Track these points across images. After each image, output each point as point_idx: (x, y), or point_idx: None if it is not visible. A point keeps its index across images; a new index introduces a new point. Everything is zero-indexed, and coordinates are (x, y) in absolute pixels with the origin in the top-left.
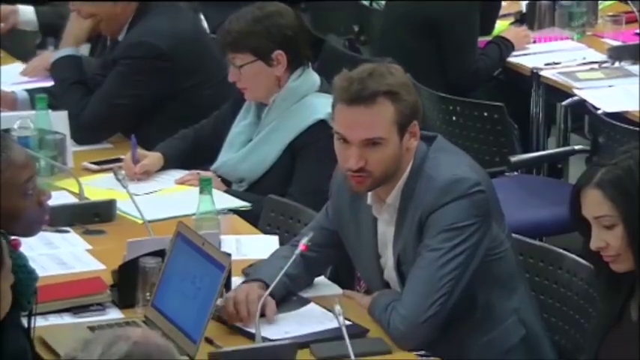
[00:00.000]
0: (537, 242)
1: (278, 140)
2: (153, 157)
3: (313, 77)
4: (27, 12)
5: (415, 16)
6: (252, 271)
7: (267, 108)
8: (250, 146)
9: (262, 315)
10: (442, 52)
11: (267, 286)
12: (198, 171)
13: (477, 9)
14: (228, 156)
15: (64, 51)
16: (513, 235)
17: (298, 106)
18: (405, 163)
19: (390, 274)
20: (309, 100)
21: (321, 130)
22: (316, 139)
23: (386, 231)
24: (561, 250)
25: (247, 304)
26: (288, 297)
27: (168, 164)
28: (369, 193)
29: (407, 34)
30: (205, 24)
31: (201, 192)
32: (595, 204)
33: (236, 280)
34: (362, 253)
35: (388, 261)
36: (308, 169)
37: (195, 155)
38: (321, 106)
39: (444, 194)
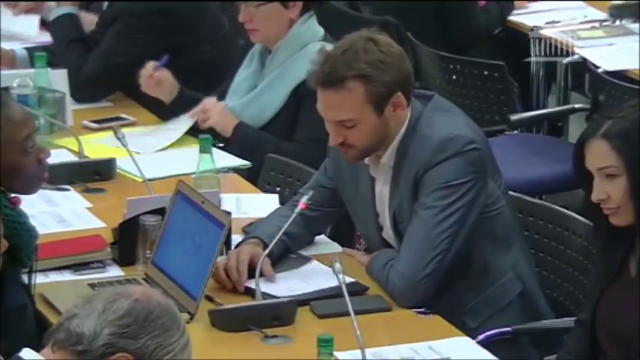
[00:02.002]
0: (537, 200)
1: (282, 87)
2: (172, 79)
3: (316, 26)
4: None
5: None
6: (251, 230)
7: (270, 55)
8: (254, 93)
9: (262, 274)
10: (443, 8)
11: (265, 244)
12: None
13: None
14: (233, 103)
15: (63, 9)
16: (513, 193)
17: (302, 53)
18: (397, 127)
19: (387, 232)
20: (312, 48)
21: None
22: None
23: (382, 190)
24: (561, 208)
25: (238, 265)
26: (291, 255)
27: (180, 101)
28: None
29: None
30: None
31: (201, 151)
32: (600, 155)
33: (236, 239)
34: (360, 211)
35: (386, 219)
36: (313, 116)
37: None
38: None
39: (438, 152)
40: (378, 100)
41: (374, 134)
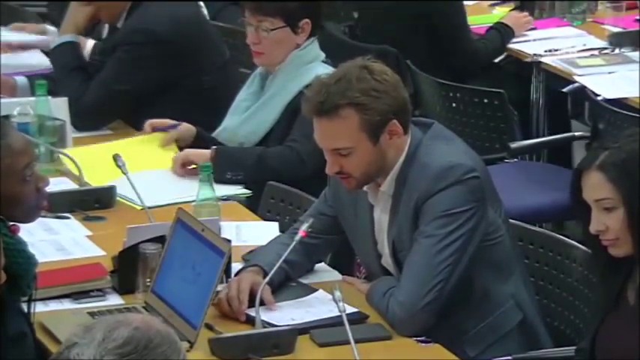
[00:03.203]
0: (537, 228)
1: (277, 103)
2: (189, 129)
3: (318, 50)
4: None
5: (401, 14)
6: (251, 258)
7: (270, 77)
8: (250, 111)
9: (262, 303)
10: (438, 43)
11: (265, 272)
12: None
13: None
14: (230, 121)
15: (64, 37)
16: (514, 221)
17: (300, 72)
18: (395, 155)
19: (387, 259)
20: (312, 67)
21: None
22: None
23: (381, 217)
24: (561, 236)
25: (239, 294)
26: (292, 284)
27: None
28: None
29: (398, 30)
30: (205, 10)
31: (201, 179)
32: (596, 186)
33: (236, 267)
34: (360, 239)
35: (384, 247)
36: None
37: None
38: (323, 71)
39: (438, 181)
40: (373, 128)
41: (370, 162)
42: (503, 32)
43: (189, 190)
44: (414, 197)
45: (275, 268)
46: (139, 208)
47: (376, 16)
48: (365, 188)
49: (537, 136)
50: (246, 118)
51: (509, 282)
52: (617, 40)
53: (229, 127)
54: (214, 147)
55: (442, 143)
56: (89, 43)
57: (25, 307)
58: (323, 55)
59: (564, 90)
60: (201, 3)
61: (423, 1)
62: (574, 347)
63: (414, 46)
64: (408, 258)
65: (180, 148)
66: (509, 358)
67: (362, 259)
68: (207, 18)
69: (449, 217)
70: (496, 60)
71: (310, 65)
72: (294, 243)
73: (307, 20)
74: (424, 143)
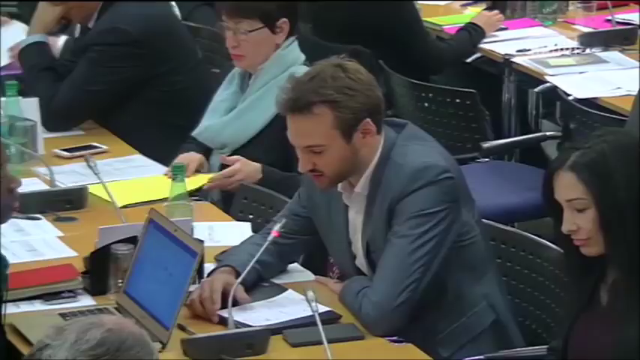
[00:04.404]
0: (509, 228)
1: (265, 108)
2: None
3: (298, 51)
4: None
5: (356, 16)
6: (224, 258)
7: (253, 77)
8: (236, 112)
9: (236, 303)
10: (396, 45)
11: (237, 272)
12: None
13: None
14: (212, 122)
15: (32, 37)
16: (486, 220)
17: (284, 75)
18: (369, 155)
19: (361, 260)
20: (296, 71)
21: None
22: None
23: (356, 218)
24: (533, 236)
25: (212, 295)
26: (265, 284)
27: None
28: None
29: (357, 32)
30: (177, 10)
31: (173, 178)
32: (568, 187)
33: (208, 267)
34: (334, 239)
35: (359, 248)
36: None
37: None
38: None
39: (412, 181)
40: (346, 126)
41: (343, 161)
42: (472, 33)
43: (160, 190)
44: (388, 198)
45: (248, 268)
46: (110, 208)
47: (333, 18)
48: (339, 189)
49: (509, 136)
50: (231, 120)
51: (482, 283)
52: (588, 40)
53: (211, 128)
54: (262, 168)
55: (416, 144)
56: (60, 41)
57: None
58: (303, 57)
59: (535, 90)
60: (174, 3)
61: (374, 1)
62: (546, 346)
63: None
64: (382, 258)
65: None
66: (482, 357)
67: (336, 259)
68: (180, 18)
69: (422, 218)
70: (468, 60)
71: (292, 69)
72: (266, 243)
73: (285, 20)
74: (398, 144)
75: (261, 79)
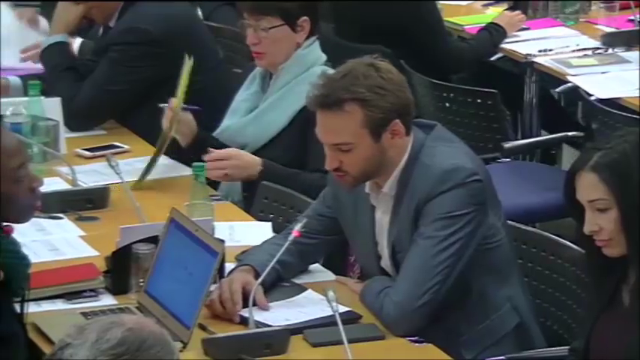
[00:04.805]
0: (531, 228)
1: (286, 107)
2: (193, 124)
3: (319, 51)
4: None
5: (377, 16)
6: (244, 257)
7: (274, 77)
8: (257, 112)
9: (255, 303)
10: (417, 45)
11: (257, 272)
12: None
13: None
14: (233, 121)
15: (54, 37)
16: (507, 221)
17: (306, 75)
18: (397, 156)
19: (386, 262)
20: (316, 71)
21: None
22: None
23: (382, 219)
24: (554, 236)
25: (232, 295)
26: (285, 284)
27: (197, 145)
28: (368, 182)
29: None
30: (198, 10)
31: (194, 179)
32: (590, 187)
33: (229, 267)
34: (359, 240)
35: (384, 249)
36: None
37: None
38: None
39: (440, 183)
40: (376, 125)
41: (370, 161)
42: (494, 33)
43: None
44: (415, 199)
45: (267, 269)
46: (132, 208)
47: (354, 18)
48: (367, 189)
49: (530, 136)
50: (253, 119)
51: (506, 286)
52: (610, 40)
53: (232, 128)
54: (263, 162)
55: (444, 145)
56: (75, 43)
57: (17, 307)
58: (324, 57)
59: (557, 90)
60: (195, 3)
61: (394, 1)
62: (567, 347)
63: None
64: (406, 258)
65: (176, 146)
66: (503, 358)
67: (361, 260)
68: (201, 17)
69: (449, 220)
70: (489, 60)
71: (314, 69)
72: (287, 243)
73: (306, 18)
74: (427, 145)
75: (282, 79)
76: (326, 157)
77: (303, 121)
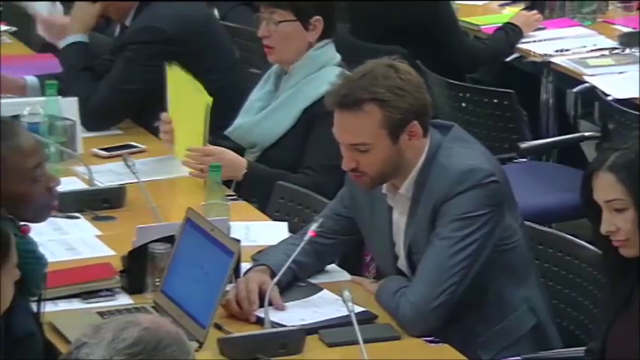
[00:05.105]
0: (547, 229)
1: (294, 106)
2: None
3: (334, 52)
4: None
5: (392, 16)
6: (260, 257)
7: (285, 76)
8: (266, 111)
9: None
10: (432, 44)
11: (272, 272)
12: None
13: None
14: (244, 120)
15: (72, 37)
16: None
17: (317, 75)
18: (414, 157)
19: (403, 262)
20: (327, 71)
21: None
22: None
23: (399, 219)
24: (571, 237)
25: (248, 295)
26: (301, 284)
27: None
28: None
29: (392, 31)
30: (215, 10)
31: (210, 178)
32: (607, 187)
33: (245, 267)
34: (376, 241)
35: (401, 249)
36: (324, 141)
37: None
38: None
39: (457, 184)
40: (394, 126)
41: (387, 161)
42: (510, 33)
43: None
44: (432, 199)
45: (283, 269)
46: (148, 207)
47: (366, 19)
48: (384, 190)
49: (547, 136)
50: (261, 119)
51: (523, 286)
52: (628, 40)
53: (243, 127)
54: (248, 164)
55: (462, 146)
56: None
57: (34, 306)
58: (339, 57)
59: (574, 90)
60: (212, 2)
61: (410, 1)
62: (583, 348)
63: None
64: (423, 259)
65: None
66: (519, 358)
67: (377, 260)
68: (217, 17)
69: (465, 221)
70: (506, 60)
71: (325, 69)
72: (302, 243)
73: (319, 17)
74: (444, 146)
75: (292, 79)
76: (343, 158)
77: (306, 121)
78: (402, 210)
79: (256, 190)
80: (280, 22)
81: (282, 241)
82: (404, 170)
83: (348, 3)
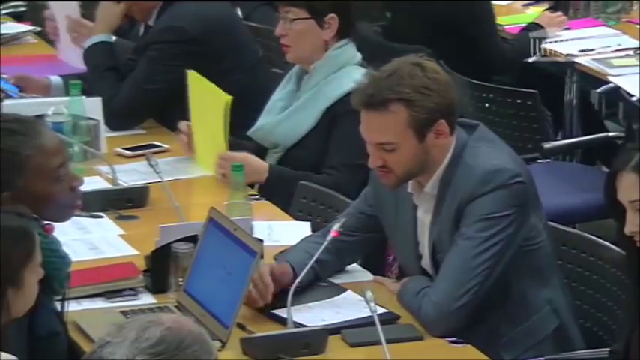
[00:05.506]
0: (570, 229)
1: (315, 106)
2: None
3: (354, 51)
4: None
5: (430, 14)
6: (281, 256)
7: (306, 76)
8: (288, 112)
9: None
10: (466, 44)
11: (292, 268)
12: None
13: None
14: (267, 120)
15: (97, 37)
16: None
17: (337, 74)
18: (440, 155)
19: (426, 261)
20: (348, 70)
21: None
22: (354, 108)
23: (424, 218)
24: (594, 237)
25: (261, 277)
26: (323, 284)
27: None
28: (410, 181)
29: (428, 29)
30: (238, 10)
31: (233, 179)
32: (631, 187)
33: None
34: (400, 239)
35: (425, 248)
36: (347, 140)
37: None
38: (360, 76)
39: (483, 184)
40: (420, 125)
41: (413, 160)
42: (534, 33)
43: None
44: (457, 199)
45: (307, 268)
46: (171, 207)
47: (406, 16)
48: (409, 189)
49: (571, 137)
50: (283, 119)
51: (547, 287)
52: None
53: (265, 127)
54: (269, 167)
55: (488, 146)
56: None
57: (58, 305)
58: (359, 57)
59: (598, 90)
60: (235, 2)
61: (451, 1)
62: (607, 349)
63: (444, 46)
64: (446, 259)
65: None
66: (542, 359)
67: (401, 259)
68: (240, 16)
69: (490, 221)
70: (530, 60)
71: (345, 69)
72: (325, 243)
73: (334, 16)
74: (470, 145)
75: (313, 79)
76: (369, 156)
77: (327, 121)
78: (427, 208)
79: (280, 193)
80: (294, 19)
81: (303, 239)
82: (430, 168)
83: (386, 2)
